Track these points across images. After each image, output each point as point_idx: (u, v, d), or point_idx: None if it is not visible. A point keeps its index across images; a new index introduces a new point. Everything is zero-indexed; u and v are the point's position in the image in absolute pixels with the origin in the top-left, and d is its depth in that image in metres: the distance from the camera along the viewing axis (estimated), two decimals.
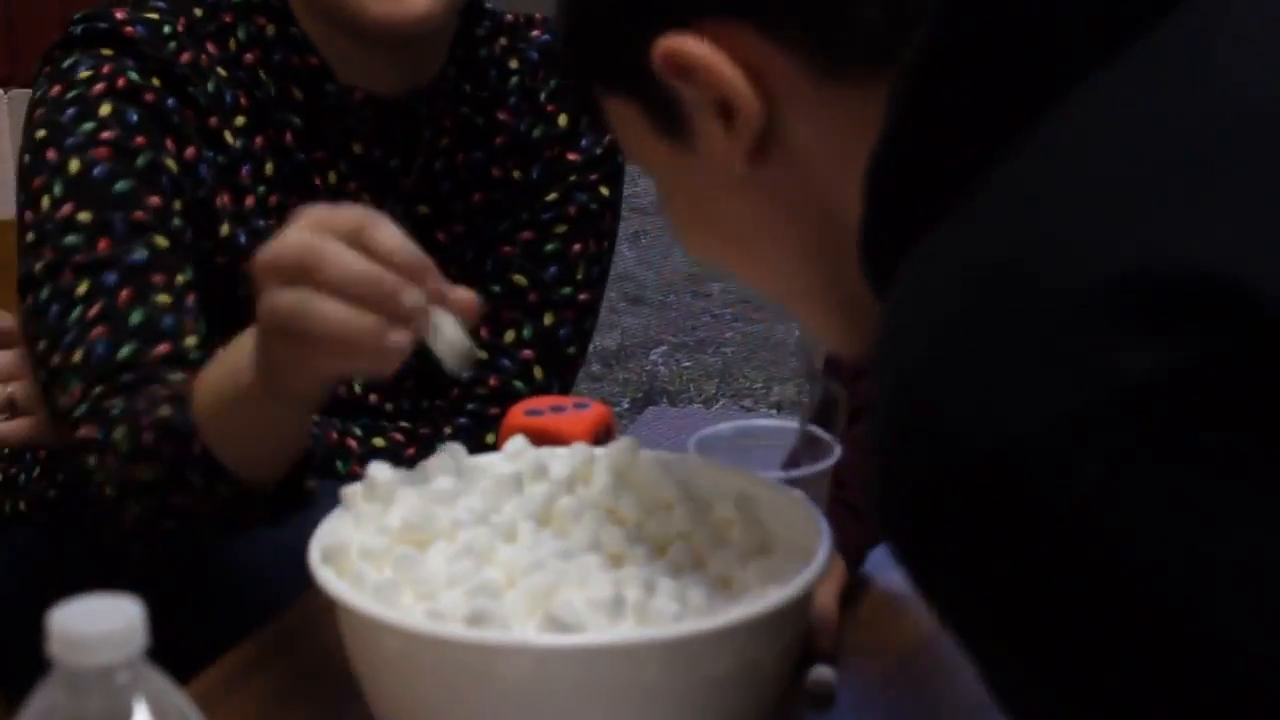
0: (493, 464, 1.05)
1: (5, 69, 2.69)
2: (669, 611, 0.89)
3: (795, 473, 1.07)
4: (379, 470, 1.01)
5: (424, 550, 0.96)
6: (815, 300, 0.85)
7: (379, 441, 1.36)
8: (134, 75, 1.29)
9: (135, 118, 1.28)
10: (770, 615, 0.88)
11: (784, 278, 0.85)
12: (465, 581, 0.92)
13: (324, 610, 0.97)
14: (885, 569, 1.19)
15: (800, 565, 0.92)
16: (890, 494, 0.65)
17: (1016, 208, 0.65)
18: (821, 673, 1.06)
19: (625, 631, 0.88)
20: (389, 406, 1.40)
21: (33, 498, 1.43)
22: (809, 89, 0.77)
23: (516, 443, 1.06)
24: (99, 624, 0.61)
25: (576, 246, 1.44)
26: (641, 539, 0.99)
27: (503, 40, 1.44)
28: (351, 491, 1.00)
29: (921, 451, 0.63)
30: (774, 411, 3.75)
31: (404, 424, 1.39)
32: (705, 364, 4.15)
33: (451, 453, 1.04)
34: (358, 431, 1.35)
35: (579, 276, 1.44)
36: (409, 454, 1.34)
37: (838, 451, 1.10)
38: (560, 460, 1.05)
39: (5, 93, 2.56)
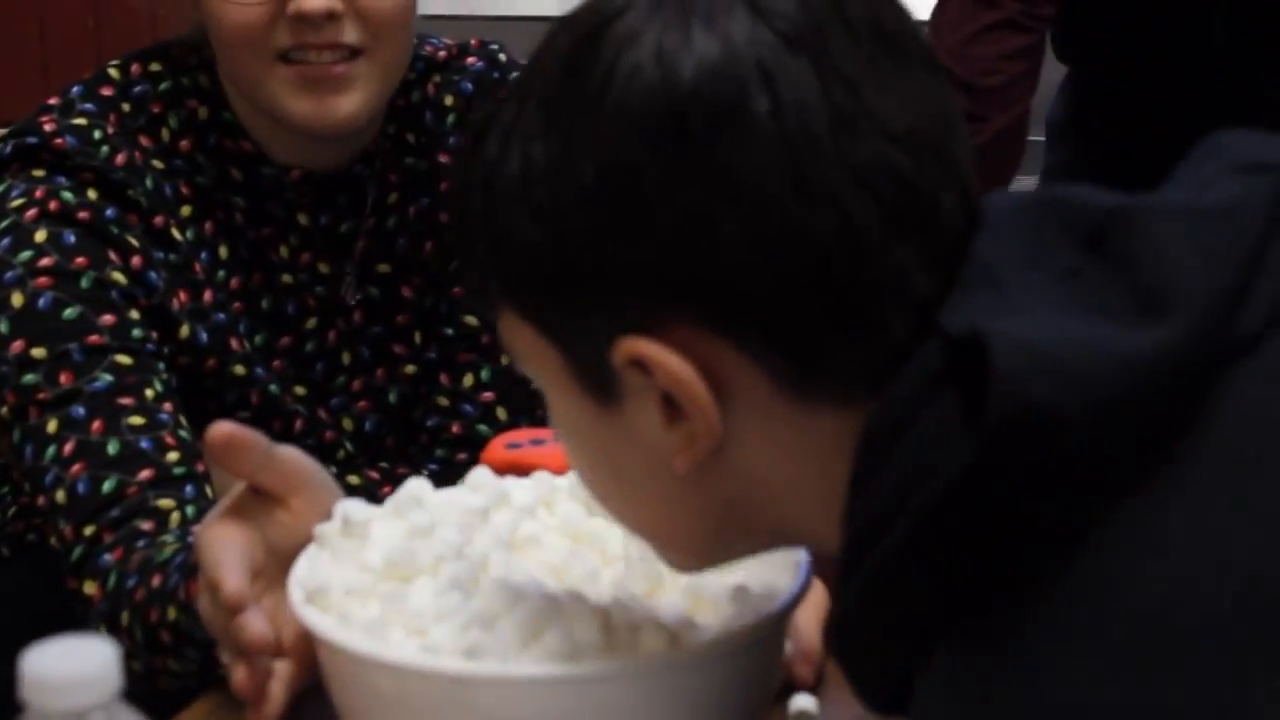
0: (458, 496, 1.05)
1: None
2: (661, 637, 0.89)
3: None
4: (353, 507, 1.01)
5: (408, 585, 0.96)
6: (680, 546, 0.82)
7: (354, 480, 1.35)
8: (67, 195, 1.27)
9: (73, 239, 1.27)
10: (757, 636, 0.89)
11: (668, 530, 0.81)
12: (455, 615, 0.92)
13: None
14: None
15: (777, 583, 0.93)
16: None
17: (1053, 660, 0.65)
18: (803, 702, 1.06)
19: (622, 659, 0.88)
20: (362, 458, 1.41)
21: (13, 541, 1.43)
22: (775, 407, 0.73)
23: (479, 474, 1.07)
24: (72, 666, 0.61)
25: None
26: (611, 564, 0.99)
27: (435, 79, 1.42)
28: (326, 529, 1.00)
29: None
30: None
31: (382, 464, 1.39)
32: None
33: (417, 486, 1.04)
34: (333, 469, 1.35)
35: None
36: (385, 492, 1.33)
37: None
38: (523, 490, 1.05)
39: None
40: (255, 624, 0.95)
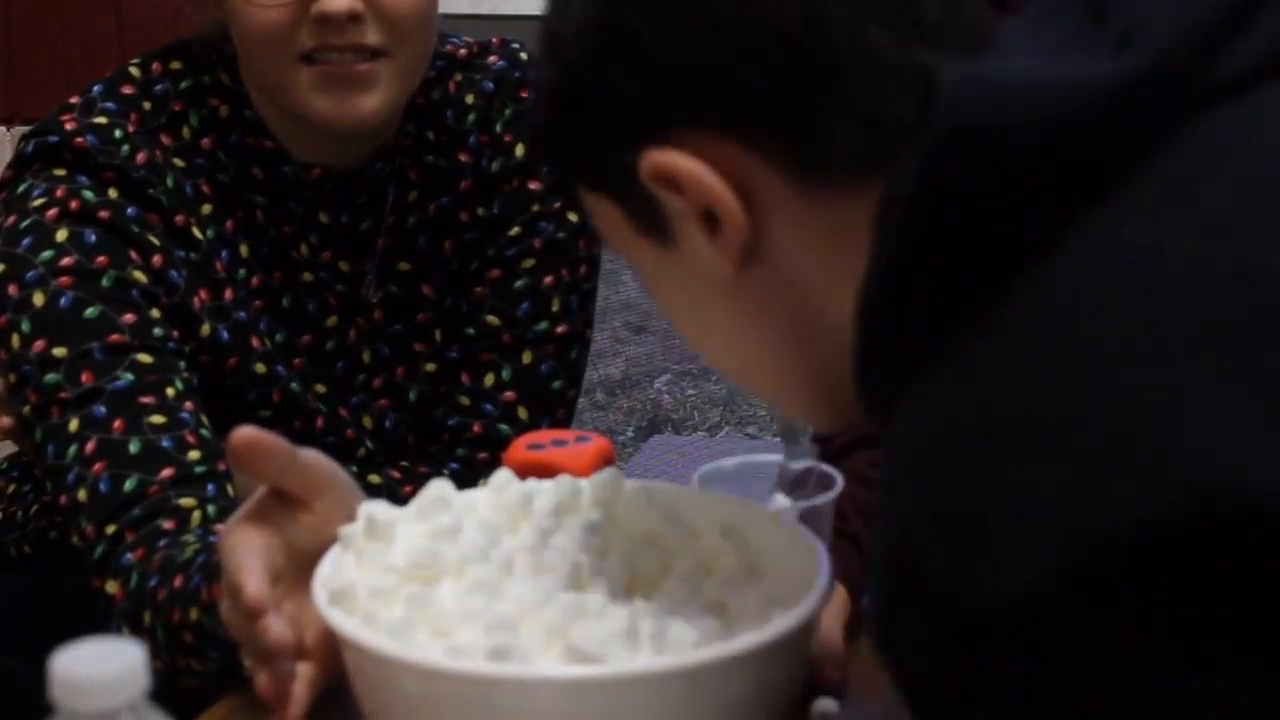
0: (482, 498, 1.05)
1: (8, 107, 2.70)
2: (686, 639, 0.89)
3: (798, 504, 1.07)
4: (378, 508, 1.01)
5: (433, 587, 0.96)
6: (797, 389, 0.86)
7: (375, 479, 1.36)
8: (88, 194, 1.28)
9: (93, 238, 1.27)
10: (785, 638, 0.88)
11: (769, 370, 0.86)
12: (480, 617, 0.92)
13: None
14: None
15: (800, 589, 0.92)
16: (891, 637, 0.70)
17: (1011, 363, 0.68)
18: (825, 705, 1.06)
19: (648, 661, 0.89)
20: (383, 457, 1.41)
21: (35, 539, 1.44)
22: (792, 199, 0.78)
23: (501, 476, 1.07)
24: (101, 667, 0.61)
25: (548, 279, 1.41)
26: (635, 568, 0.99)
27: (456, 77, 1.42)
28: (351, 530, 1.00)
29: (919, 606, 0.68)
30: (778, 440, 3.74)
31: (403, 463, 1.39)
32: (709, 392, 4.15)
33: (441, 488, 1.04)
34: (353, 468, 1.36)
35: (554, 309, 1.41)
36: (406, 491, 1.33)
37: (840, 483, 1.10)
38: (546, 493, 1.05)
39: (8, 130, 2.57)
40: (276, 628, 0.96)
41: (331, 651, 0.97)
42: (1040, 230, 0.70)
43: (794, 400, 0.88)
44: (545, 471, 1.10)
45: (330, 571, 0.97)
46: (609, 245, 0.88)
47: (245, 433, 1.00)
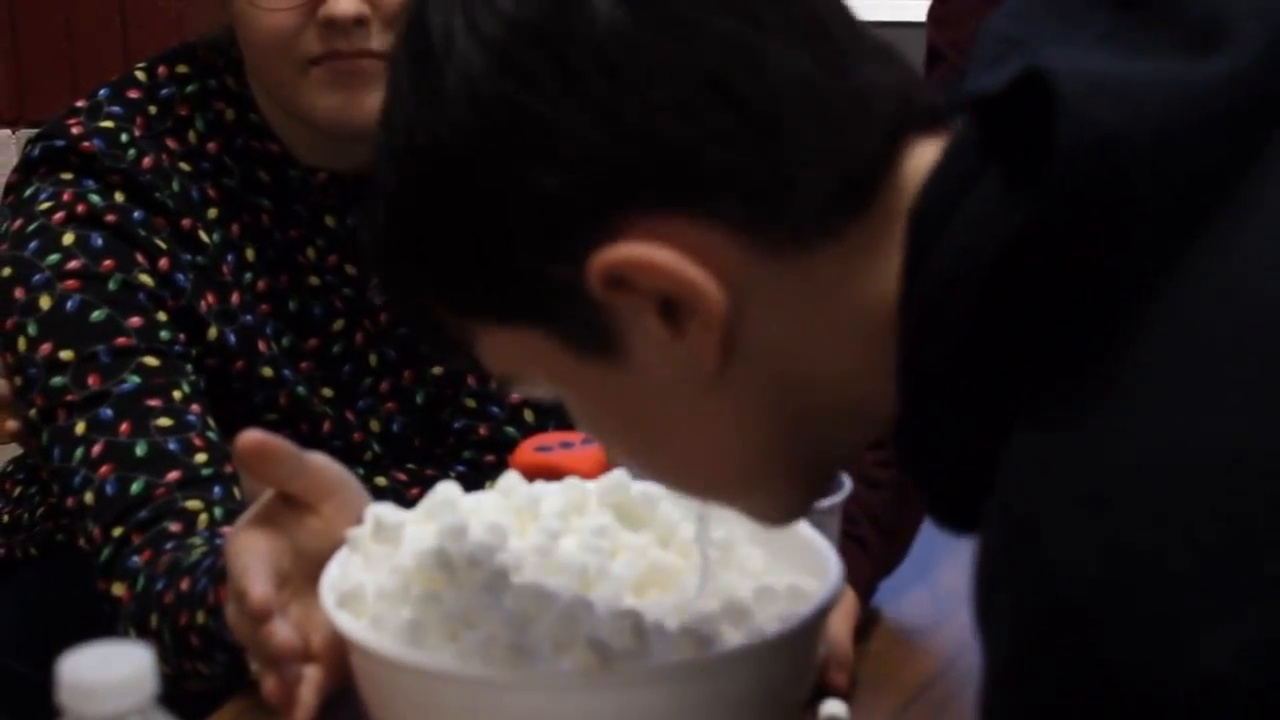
0: (489, 501, 1.05)
1: (14, 110, 2.70)
2: (696, 638, 0.89)
3: None
4: (385, 511, 1.01)
5: (441, 589, 0.96)
6: (767, 479, 0.78)
7: (381, 481, 1.36)
8: (94, 198, 1.28)
9: (100, 241, 1.27)
10: (793, 638, 0.88)
11: (743, 462, 0.76)
12: (489, 620, 0.92)
13: None
14: (895, 602, 1.19)
15: (808, 590, 0.93)
16: (1017, 696, 0.63)
17: (1165, 406, 0.61)
18: (833, 707, 1.06)
19: (659, 659, 0.88)
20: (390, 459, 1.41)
21: (41, 542, 1.44)
22: (761, 266, 0.70)
23: (510, 479, 1.07)
24: (109, 671, 0.61)
25: None
26: (644, 569, 0.98)
27: None
28: (358, 533, 1.00)
29: (1065, 668, 0.60)
30: None
31: (409, 465, 1.39)
32: None
33: (449, 490, 1.04)
34: (360, 471, 1.35)
35: None
36: (413, 494, 1.32)
37: (848, 486, 1.10)
38: (554, 495, 1.05)
39: (14, 133, 2.57)
40: (282, 632, 0.95)
41: (339, 655, 0.97)
42: (1161, 254, 0.63)
43: (756, 492, 0.79)
44: (553, 474, 1.10)
45: (338, 574, 0.97)
46: (516, 383, 0.77)
47: (252, 436, 1.00)
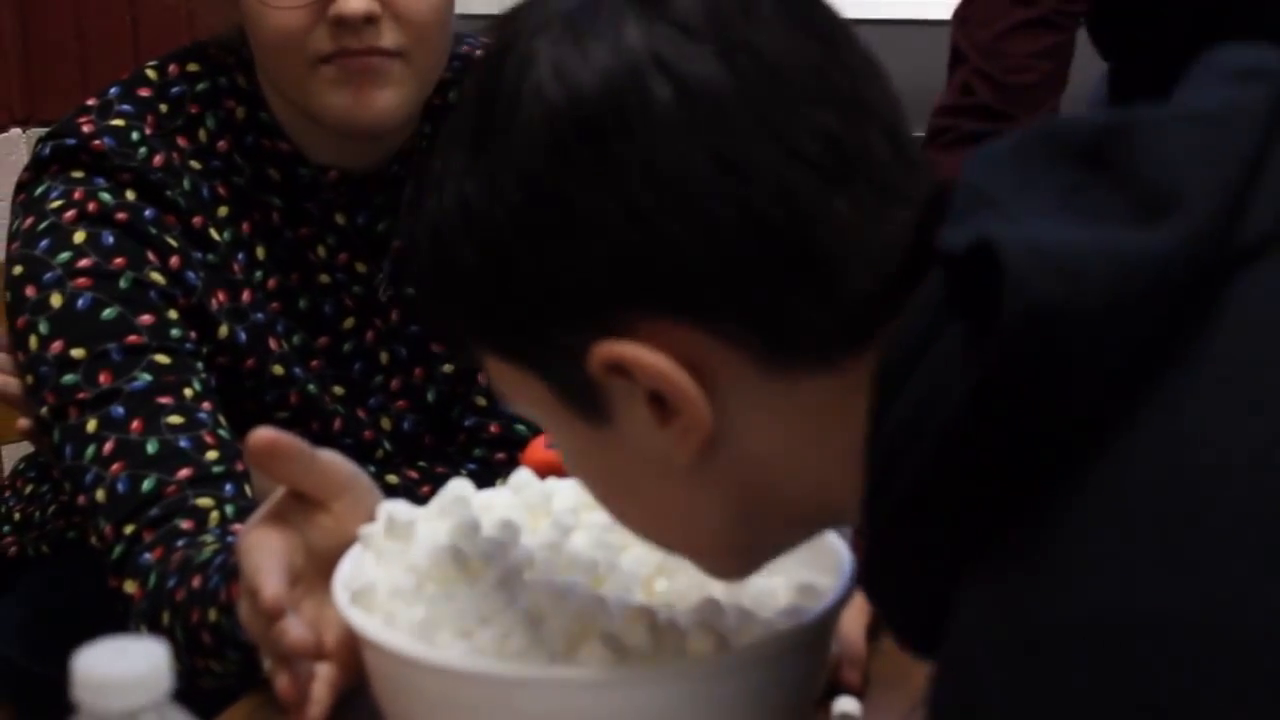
0: (501, 498, 1.05)
1: (25, 108, 2.70)
2: (708, 638, 0.89)
3: None
4: (397, 508, 1.01)
5: (454, 586, 0.96)
6: (717, 552, 0.82)
7: (392, 479, 1.36)
8: (105, 196, 1.28)
9: (111, 239, 1.27)
10: (805, 634, 0.89)
11: (695, 536, 0.81)
12: (502, 617, 0.92)
13: None
14: None
15: (821, 587, 0.93)
16: None
17: (1099, 566, 0.64)
18: (846, 705, 1.05)
19: (674, 658, 0.88)
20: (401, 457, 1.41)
21: (54, 539, 1.44)
22: (754, 383, 0.73)
23: (521, 475, 1.06)
24: (124, 667, 0.61)
25: None
26: (654, 562, 0.98)
27: None
28: (371, 530, 1.00)
29: None
30: None
31: (420, 463, 1.39)
32: None
33: (461, 487, 1.04)
34: (371, 469, 1.35)
35: None
36: (424, 492, 1.33)
37: None
38: (566, 491, 1.05)
39: (24, 131, 2.58)
40: (294, 630, 0.95)
41: (352, 653, 0.97)
42: (1101, 418, 0.66)
43: (705, 557, 0.83)
44: (564, 471, 1.10)
45: (351, 572, 0.97)
46: (513, 404, 0.81)
47: (263, 434, 1.00)
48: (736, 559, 0.83)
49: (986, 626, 0.66)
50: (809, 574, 0.97)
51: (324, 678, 1.00)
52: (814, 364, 0.73)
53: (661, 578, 0.98)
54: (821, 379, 0.73)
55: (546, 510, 1.03)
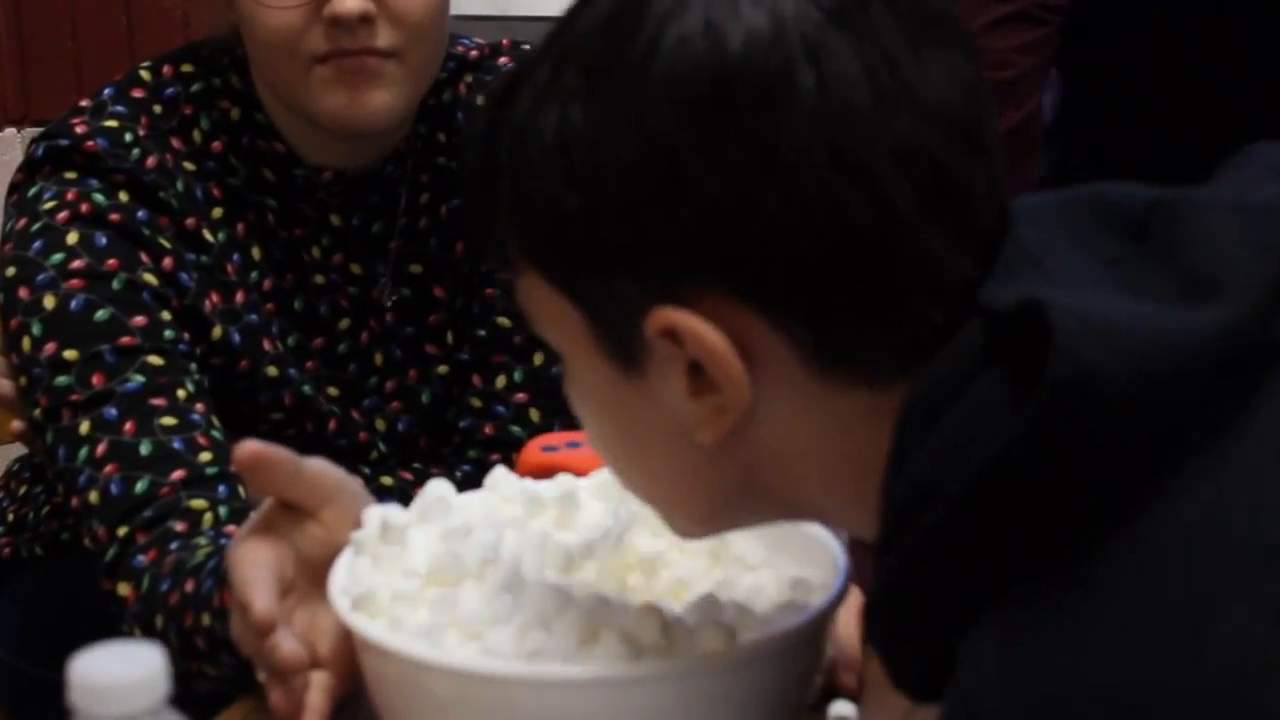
0: (484, 499, 1.05)
1: (18, 109, 2.70)
2: (718, 636, 0.89)
3: None
4: (390, 512, 1.00)
5: (456, 590, 0.95)
6: (695, 512, 0.82)
7: (387, 481, 1.35)
8: (99, 197, 1.28)
9: (104, 240, 1.27)
10: (799, 635, 0.89)
11: (672, 490, 0.81)
12: (510, 618, 0.92)
13: None
14: None
15: (816, 587, 0.93)
16: None
17: (1103, 636, 0.65)
18: (842, 708, 1.05)
19: (688, 659, 0.88)
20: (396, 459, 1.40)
21: (47, 541, 1.43)
22: (798, 380, 0.73)
23: (498, 475, 1.06)
24: (121, 672, 0.61)
25: None
26: (645, 564, 0.98)
27: (468, 78, 1.41)
28: (363, 535, 0.99)
29: None
30: None
31: (415, 465, 1.39)
32: None
33: (440, 488, 1.04)
34: (365, 471, 1.35)
35: None
36: (417, 493, 1.33)
37: None
38: (548, 491, 1.05)
39: (18, 131, 2.57)
40: (287, 645, 0.95)
41: (348, 661, 0.96)
42: (1133, 489, 0.67)
43: (676, 515, 0.83)
44: (559, 473, 1.10)
45: (348, 578, 0.96)
46: (537, 325, 0.80)
47: (249, 447, 1.00)
48: (705, 526, 0.83)
49: (1003, 681, 0.66)
50: (798, 568, 0.97)
51: (320, 686, 0.99)
52: (856, 379, 0.73)
53: (637, 573, 0.97)
54: (858, 395, 0.73)
55: (530, 510, 1.03)
